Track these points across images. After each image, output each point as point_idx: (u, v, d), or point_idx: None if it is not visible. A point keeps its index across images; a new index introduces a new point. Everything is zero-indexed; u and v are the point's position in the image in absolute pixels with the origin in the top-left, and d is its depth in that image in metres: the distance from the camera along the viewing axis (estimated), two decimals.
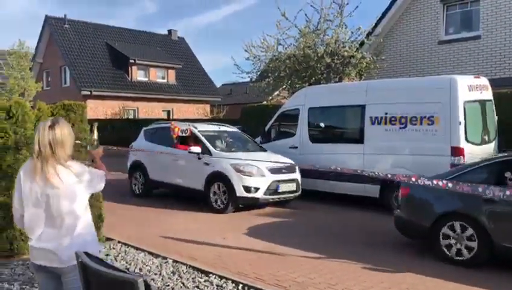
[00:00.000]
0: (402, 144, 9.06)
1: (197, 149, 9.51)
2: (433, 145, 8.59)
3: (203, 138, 9.89)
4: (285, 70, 15.26)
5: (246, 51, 15.73)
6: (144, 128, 11.83)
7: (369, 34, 14.99)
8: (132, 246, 6.52)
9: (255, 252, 6.41)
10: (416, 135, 8.91)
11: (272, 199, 9.30)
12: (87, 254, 2.30)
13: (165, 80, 32.37)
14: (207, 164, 9.50)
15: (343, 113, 10.51)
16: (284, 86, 17.19)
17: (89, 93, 27.93)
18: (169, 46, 35.41)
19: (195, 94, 33.41)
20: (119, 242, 6.72)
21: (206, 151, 9.56)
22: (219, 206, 9.25)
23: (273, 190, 9.16)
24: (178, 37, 37.30)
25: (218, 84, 40.48)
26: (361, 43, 15.09)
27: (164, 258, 5.95)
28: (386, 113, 9.35)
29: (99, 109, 28.31)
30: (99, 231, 6.57)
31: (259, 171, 9.11)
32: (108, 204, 9.55)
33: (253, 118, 16.77)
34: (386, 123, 9.36)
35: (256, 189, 9.01)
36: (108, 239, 6.76)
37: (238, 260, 6.04)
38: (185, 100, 32.77)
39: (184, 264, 5.70)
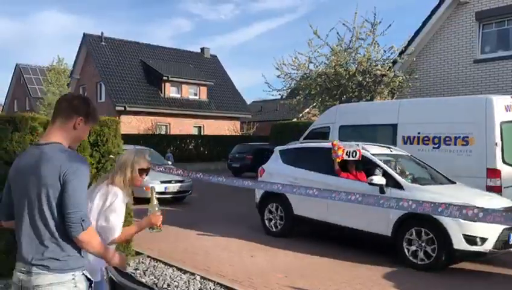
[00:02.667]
0: (435, 165, 8.85)
1: (381, 180, 7.09)
2: (468, 166, 8.35)
3: (384, 165, 7.44)
4: (316, 88, 15.23)
5: (277, 68, 15.84)
6: (279, 148, 9.40)
7: (401, 52, 14.83)
8: (161, 261, 6.55)
9: None
10: (450, 156, 8.70)
11: (503, 253, 6.82)
12: (116, 269, 2.32)
13: (196, 97, 32.84)
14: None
15: (375, 132, 10.35)
16: (315, 104, 17.16)
17: (123, 108, 28.56)
18: (201, 64, 36.00)
19: (226, 111, 33.75)
20: (148, 257, 6.77)
21: (392, 183, 7.09)
22: (421, 260, 6.63)
23: (503, 241, 6.44)
24: (210, 55, 37.92)
25: (249, 101, 40.84)
26: (394, 62, 14.94)
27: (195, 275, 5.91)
28: (419, 133, 9.18)
29: (132, 124, 28.90)
30: (129, 245, 6.67)
31: None
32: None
33: (283, 135, 16.76)
34: (418, 143, 9.18)
35: (483, 240, 6.32)
36: (138, 253, 6.83)
37: None
38: (215, 116, 33.15)
39: None
